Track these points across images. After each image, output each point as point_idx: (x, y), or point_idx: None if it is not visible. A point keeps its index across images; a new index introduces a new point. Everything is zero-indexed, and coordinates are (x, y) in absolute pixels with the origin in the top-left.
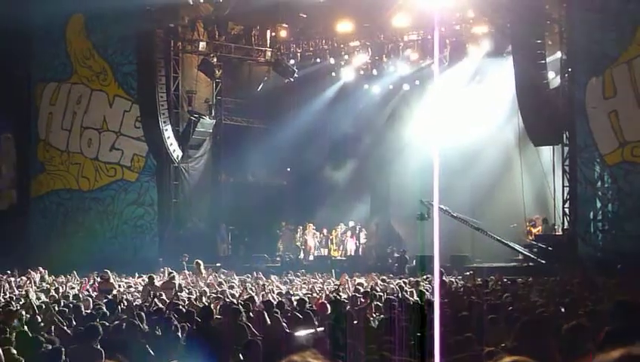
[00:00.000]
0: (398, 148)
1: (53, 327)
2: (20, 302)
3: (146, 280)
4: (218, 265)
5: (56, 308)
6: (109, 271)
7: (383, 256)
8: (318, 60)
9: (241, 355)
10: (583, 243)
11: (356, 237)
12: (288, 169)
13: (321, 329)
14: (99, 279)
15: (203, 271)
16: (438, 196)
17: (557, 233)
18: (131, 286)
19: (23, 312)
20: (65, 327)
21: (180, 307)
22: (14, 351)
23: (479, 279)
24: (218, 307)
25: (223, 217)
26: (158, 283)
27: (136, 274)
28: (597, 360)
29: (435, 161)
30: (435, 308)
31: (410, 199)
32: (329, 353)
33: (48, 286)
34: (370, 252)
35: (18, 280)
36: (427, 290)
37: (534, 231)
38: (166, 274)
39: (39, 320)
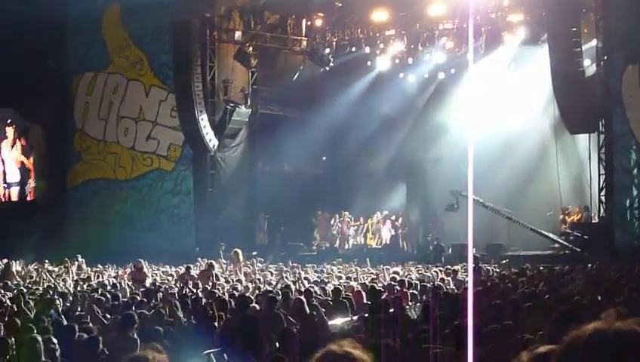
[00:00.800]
0: (434, 136)
1: (90, 316)
2: (58, 291)
3: (183, 269)
4: (254, 253)
5: (95, 297)
6: (142, 261)
7: (420, 245)
8: (354, 49)
9: (277, 344)
10: (619, 231)
11: (392, 226)
12: (324, 158)
13: (357, 317)
14: (132, 268)
15: (241, 259)
16: (473, 185)
17: (593, 221)
18: (169, 276)
19: (61, 301)
20: (102, 316)
21: (217, 296)
22: (54, 340)
23: (514, 268)
24: (255, 296)
25: (259, 206)
26: (195, 272)
27: (173, 264)
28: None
29: (470, 150)
30: (469, 297)
31: (446, 188)
32: (364, 341)
33: (85, 275)
34: (405, 240)
35: (56, 269)
36: (463, 279)
37: (569, 219)
38: (203, 264)
39: (77, 308)
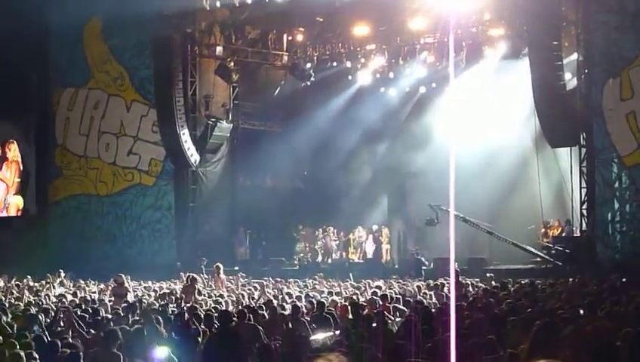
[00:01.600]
0: (415, 150)
1: (72, 332)
2: (40, 306)
3: (185, 282)
4: (236, 268)
5: (77, 312)
6: (123, 276)
7: (401, 259)
8: (335, 64)
9: (258, 359)
10: (601, 244)
11: (374, 240)
12: (305, 172)
13: (338, 331)
14: (113, 283)
15: (222, 274)
16: (454, 199)
17: (575, 235)
18: (150, 290)
19: (43, 316)
20: (84, 331)
21: (199, 311)
22: (36, 355)
23: (496, 282)
24: (237, 311)
25: (241, 221)
26: (178, 286)
27: (154, 279)
28: None
29: (452, 164)
30: (451, 311)
31: (428, 201)
32: (347, 355)
33: (67, 290)
34: (387, 254)
35: (37, 284)
36: (444, 293)
37: (550, 233)
38: (186, 279)
39: (59, 324)
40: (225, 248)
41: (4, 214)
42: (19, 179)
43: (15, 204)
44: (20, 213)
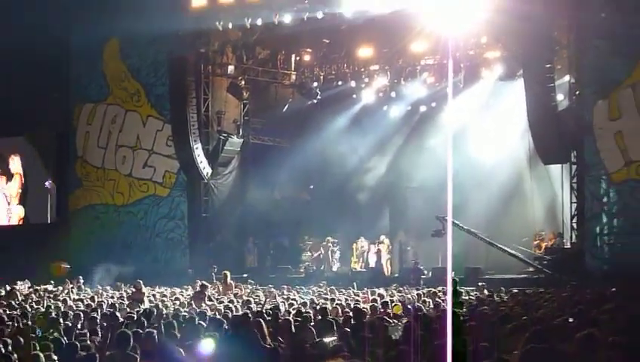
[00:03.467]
0: (415, 166)
1: (89, 334)
2: (60, 310)
3: (197, 288)
4: (245, 275)
5: (94, 316)
6: (140, 282)
7: (401, 269)
8: (340, 83)
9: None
10: (589, 256)
11: (376, 250)
12: (311, 186)
13: (341, 336)
14: (131, 289)
15: (231, 281)
16: (452, 211)
17: (566, 246)
18: (164, 296)
19: (62, 320)
20: (101, 334)
21: (210, 316)
22: (55, 357)
23: (491, 290)
24: (245, 316)
25: (250, 230)
26: (188, 293)
27: (167, 286)
28: None
29: (449, 179)
30: (448, 319)
31: (427, 214)
32: (349, 359)
33: (85, 295)
34: (388, 264)
35: (57, 289)
36: (442, 301)
37: (543, 244)
38: (198, 286)
39: (77, 327)
40: (235, 256)
41: (5, 223)
42: (21, 190)
43: (17, 214)
44: (21, 223)
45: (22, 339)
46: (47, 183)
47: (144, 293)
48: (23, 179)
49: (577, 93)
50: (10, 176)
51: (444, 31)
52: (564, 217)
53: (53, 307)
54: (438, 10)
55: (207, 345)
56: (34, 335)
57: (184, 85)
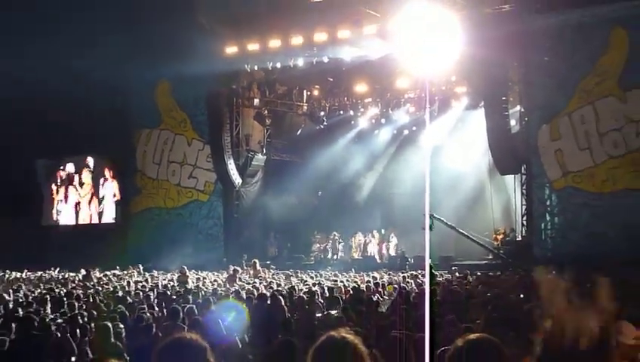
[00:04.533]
0: (400, 176)
1: (146, 309)
2: (125, 290)
3: (230, 272)
4: (268, 263)
5: (150, 295)
6: (185, 267)
7: (390, 256)
8: (341, 112)
9: (282, 329)
10: (537, 247)
11: (371, 243)
12: (319, 193)
13: (343, 310)
14: (178, 273)
15: (258, 267)
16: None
17: (517, 239)
18: (204, 279)
19: (127, 297)
20: (157, 309)
21: (242, 294)
22: (121, 326)
23: (459, 274)
24: (269, 294)
25: (272, 228)
26: (224, 276)
27: (207, 271)
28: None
29: (427, 186)
30: (426, 295)
31: (410, 214)
32: (350, 327)
33: (144, 278)
34: (380, 253)
35: (121, 273)
36: (421, 282)
37: (499, 238)
38: (231, 270)
39: (137, 303)
40: (260, 248)
41: (83, 222)
42: (91, 197)
43: (90, 215)
44: (95, 222)
45: (95, 312)
46: None
47: (188, 276)
48: (93, 188)
49: (526, 119)
50: (82, 185)
51: (422, 71)
52: (516, 216)
53: (119, 287)
54: (418, 55)
55: (237, 316)
56: (105, 310)
57: (220, 114)
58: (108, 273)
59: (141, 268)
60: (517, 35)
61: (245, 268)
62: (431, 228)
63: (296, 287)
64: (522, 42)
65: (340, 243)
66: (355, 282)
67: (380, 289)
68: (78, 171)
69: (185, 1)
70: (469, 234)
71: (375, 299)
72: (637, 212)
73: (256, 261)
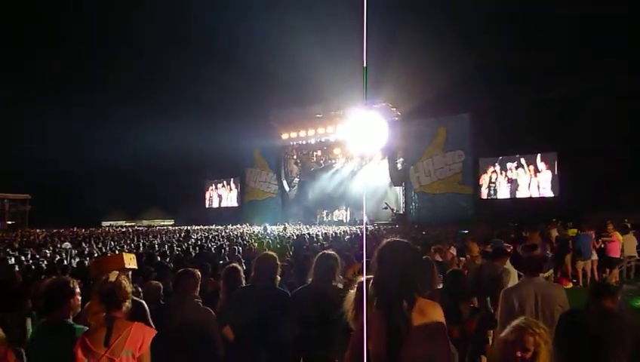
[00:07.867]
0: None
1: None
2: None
3: (284, 226)
4: (299, 222)
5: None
6: (285, 223)
7: (354, 220)
8: (330, 162)
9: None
10: (408, 216)
11: (343, 214)
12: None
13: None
14: (282, 226)
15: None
16: (367, 205)
17: (400, 213)
18: (287, 228)
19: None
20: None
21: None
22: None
23: (377, 227)
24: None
25: (301, 211)
26: (282, 228)
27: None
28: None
29: (364, 195)
30: (363, 238)
31: (364, 207)
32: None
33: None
34: (347, 219)
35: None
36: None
37: (394, 212)
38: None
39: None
40: (295, 218)
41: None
42: (230, 192)
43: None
44: (225, 205)
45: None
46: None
47: (287, 228)
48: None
49: (404, 163)
50: (230, 190)
51: (362, 147)
52: (400, 203)
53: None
54: (361, 139)
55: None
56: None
57: (279, 162)
58: (242, 229)
59: (262, 226)
60: (402, 132)
61: (289, 225)
62: (387, 209)
63: (310, 233)
64: (405, 134)
65: (328, 214)
66: (337, 232)
67: (347, 234)
68: (228, 183)
69: (263, 113)
70: (389, 209)
71: (343, 238)
72: (445, 203)
73: (287, 224)
